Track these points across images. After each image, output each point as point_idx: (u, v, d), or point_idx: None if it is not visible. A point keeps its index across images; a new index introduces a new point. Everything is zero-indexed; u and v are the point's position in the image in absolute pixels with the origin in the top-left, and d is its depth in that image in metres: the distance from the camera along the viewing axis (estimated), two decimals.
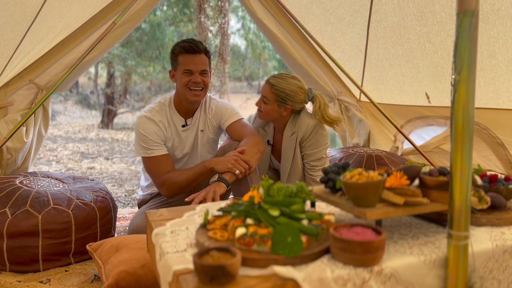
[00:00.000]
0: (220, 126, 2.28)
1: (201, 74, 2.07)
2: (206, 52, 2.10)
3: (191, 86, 2.06)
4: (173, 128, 2.18)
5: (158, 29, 9.86)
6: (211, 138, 2.29)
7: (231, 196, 2.46)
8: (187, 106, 2.17)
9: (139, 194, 2.43)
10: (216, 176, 1.93)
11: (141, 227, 2.05)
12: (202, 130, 2.25)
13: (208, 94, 2.29)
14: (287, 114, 2.19)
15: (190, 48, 2.04)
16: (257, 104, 2.22)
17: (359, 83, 3.28)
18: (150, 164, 2.09)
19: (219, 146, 2.46)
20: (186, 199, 1.84)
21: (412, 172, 1.12)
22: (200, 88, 2.08)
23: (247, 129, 2.21)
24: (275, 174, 2.45)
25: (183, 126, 2.20)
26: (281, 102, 2.14)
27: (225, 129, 2.25)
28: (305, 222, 1.03)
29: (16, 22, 2.25)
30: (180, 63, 2.07)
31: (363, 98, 3.38)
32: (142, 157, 2.11)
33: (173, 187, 2.03)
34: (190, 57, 2.04)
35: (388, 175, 1.11)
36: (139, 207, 2.40)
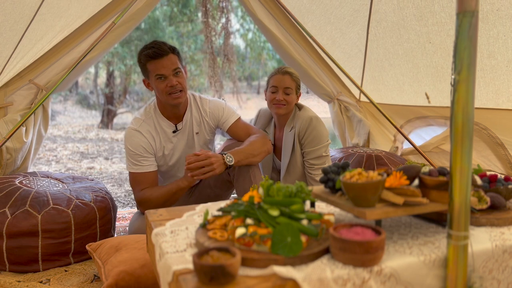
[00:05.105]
0: (218, 126, 2.25)
1: (175, 75, 2.01)
2: (173, 50, 2.02)
3: (170, 91, 2.01)
4: (162, 135, 2.14)
5: (157, 26, 9.87)
6: (208, 139, 2.26)
7: (233, 195, 2.46)
8: (173, 110, 2.12)
9: None
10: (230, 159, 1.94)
11: (141, 228, 2.05)
12: (197, 133, 2.20)
13: (196, 94, 2.25)
14: (297, 101, 2.31)
15: (154, 54, 1.96)
16: (279, 99, 2.21)
17: (359, 83, 3.28)
18: (134, 179, 2.08)
19: (218, 146, 2.46)
20: (194, 153, 1.91)
21: (411, 172, 1.11)
22: (179, 90, 2.03)
23: (251, 127, 2.24)
24: (278, 175, 2.45)
25: (174, 132, 2.15)
26: (298, 88, 2.27)
27: (226, 130, 2.21)
28: (304, 222, 1.03)
29: (15, 21, 2.24)
30: (150, 71, 2.01)
31: (363, 98, 3.38)
32: (129, 171, 2.11)
33: (148, 204, 1.99)
34: (157, 62, 1.97)
35: (388, 175, 1.11)
36: None
